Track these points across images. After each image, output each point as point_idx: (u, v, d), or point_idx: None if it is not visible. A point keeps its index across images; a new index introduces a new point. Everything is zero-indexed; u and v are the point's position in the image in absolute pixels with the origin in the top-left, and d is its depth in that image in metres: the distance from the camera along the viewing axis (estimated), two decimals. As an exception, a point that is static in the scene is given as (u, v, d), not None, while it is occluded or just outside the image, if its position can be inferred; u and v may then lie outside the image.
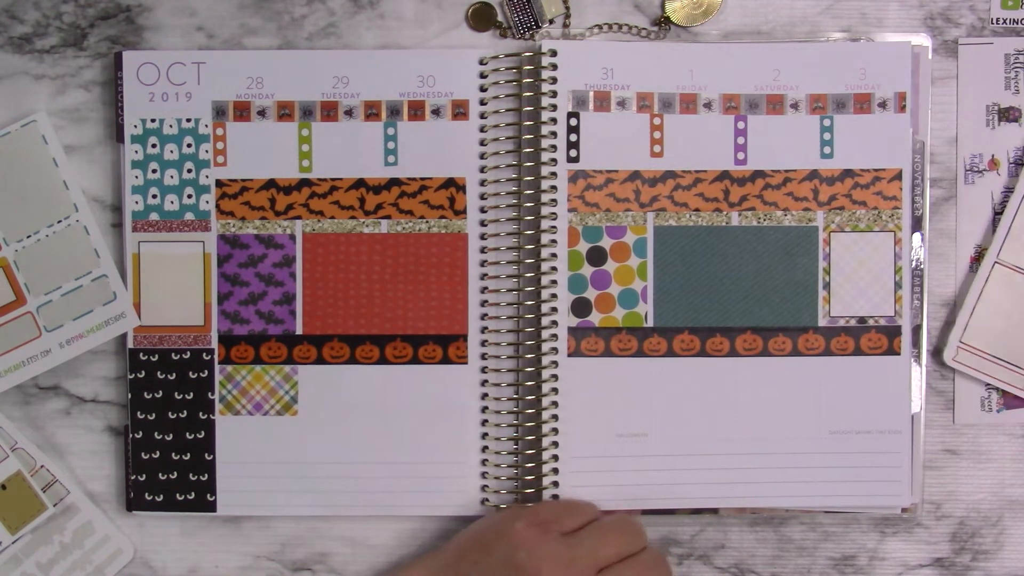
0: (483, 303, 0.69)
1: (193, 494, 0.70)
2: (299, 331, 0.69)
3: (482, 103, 0.69)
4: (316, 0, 0.70)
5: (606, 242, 0.69)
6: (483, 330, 0.69)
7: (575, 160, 0.69)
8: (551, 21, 0.70)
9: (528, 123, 0.69)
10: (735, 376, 0.69)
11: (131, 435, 0.70)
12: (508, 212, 0.69)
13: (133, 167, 0.69)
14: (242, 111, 0.69)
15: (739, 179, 0.69)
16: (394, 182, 0.69)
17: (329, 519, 0.71)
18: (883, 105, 0.69)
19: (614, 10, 0.70)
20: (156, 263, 0.69)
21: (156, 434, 0.70)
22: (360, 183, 0.69)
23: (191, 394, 0.70)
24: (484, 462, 0.69)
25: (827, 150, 0.69)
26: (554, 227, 0.69)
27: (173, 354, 0.70)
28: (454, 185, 0.69)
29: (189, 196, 0.69)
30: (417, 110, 0.69)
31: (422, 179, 0.69)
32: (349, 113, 0.69)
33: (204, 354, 0.70)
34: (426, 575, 0.64)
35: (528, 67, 0.69)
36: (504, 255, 0.69)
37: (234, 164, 0.70)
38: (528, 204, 0.69)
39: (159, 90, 0.69)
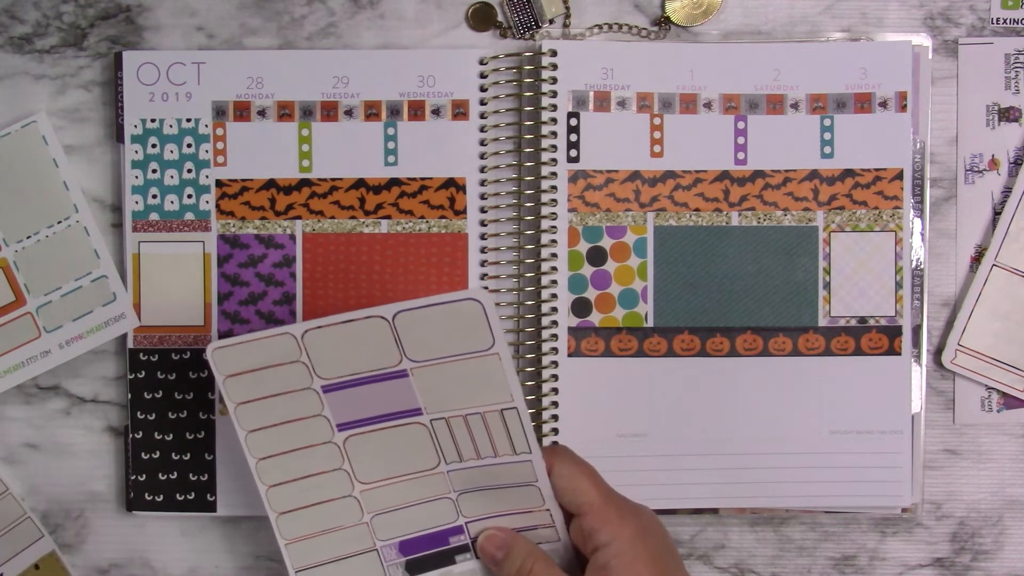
0: (483, 303, 0.69)
1: (193, 494, 0.70)
2: (299, 331, 0.69)
3: (482, 103, 0.69)
4: (316, 0, 0.70)
5: (606, 242, 0.69)
6: (483, 330, 0.69)
7: (575, 160, 0.69)
8: (551, 21, 0.70)
9: (528, 123, 0.69)
10: (735, 376, 0.69)
11: (131, 435, 0.70)
12: (508, 212, 0.69)
13: (133, 167, 0.69)
14: (242, 111, 0.69)
15: (739, 179, 0.69)
16: (394, 182, 0.69)
17: (329, 519, 0.71)
18: (884, 105, 0.69)
19: (614, 10, 0.70)
20: (156, 263, 0.69)
21: (156, 434, 0.70)
22: (360, 183, 0.69)
23: (191, 394, 0.70)
24: (484, 462, 0.69)
25: (827, 150, 0.69)
26: (554, 227, 0.69)
27: (173, 354, 0.70)
28: (454, 185, 0.69)
29: (189, 196, 0.69)
30: (417, 110, 0.69)
31: (422, 179, 0.69)
32: (349, 113, 0.69)
33: (204, 354, 0.70)
34: None
35: (528, 67, 0.69)
36: (504, 255, 0.69)
37: (234, 164, 0.70)
38: (528, 204, 0.69)
39: (159, 90, 0.69)
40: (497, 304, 0.69)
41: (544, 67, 0.68)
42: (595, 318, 0.69)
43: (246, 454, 0.59)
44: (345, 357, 0.56)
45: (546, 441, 0.69)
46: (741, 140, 0.69)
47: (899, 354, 0.69)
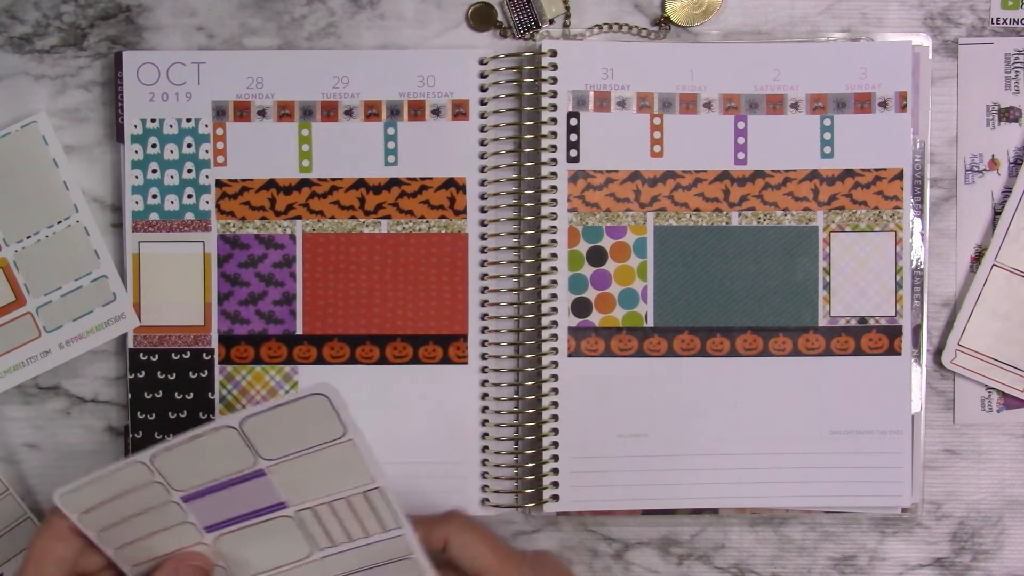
0: (483, 303, 0.69)
1: (193, 494, 0.70)
2: (299, 331, 0.70)
3: (482, 103, 0.69)
4: (316, 0, 0.70)
5: (606, 242, 0.69)
6: (483, 330, 0.69)
7: (575, 160, 0.69)
8: (551, 21, 0.70)
9: (528, 123, 0.69)
10: (735, 376, 0.69)
11: (131, 435, 0.70)
12: (508, 212, 0.69)
13: (133, 167, 0.69)
14: (242, 111, 0.69)
15: (739, 179, 0.69)
16: (394, 182, 0.69)
17: (329, 519, 0.71)
18: (884, 105, 0.69)
19: (614, 10, 0.70)
20: (156, 263, 0.69)
21: (156, 434, 0.70)
22: (360, 183, 0.69)
23: (191, 394, 0.70)
24: (484, 462, 0.69)
25: (827, 150, 0.69)
26: (554, 227, 0.69)
27: (173, 354, 0.70)
28: (454, 185, 0.69)
29: (189, 196, 0.69)
30: (417, 110, 0.69)
31: (422, 179, 0.69)
32: (349, 113, 0.69)
33: (204, 354, 0.70)
34: None
35: (528, 67, 0.69)
36: (504, 255, 0.69)
37: (234, 164, 0.70)
38: (528, 204, 0.69)
39: (159, 90, 0.69)
40: (497, 304, 0.69)
41: (544, 67, 0.68)
42: (595, 318, 0.69)
43: (119, 565, 0.58)
44: (199, 468, 0.56)
45: (546, 442, 0.69)
46: (741, 140, 0.69)
47: (899, 354, 0.69)
